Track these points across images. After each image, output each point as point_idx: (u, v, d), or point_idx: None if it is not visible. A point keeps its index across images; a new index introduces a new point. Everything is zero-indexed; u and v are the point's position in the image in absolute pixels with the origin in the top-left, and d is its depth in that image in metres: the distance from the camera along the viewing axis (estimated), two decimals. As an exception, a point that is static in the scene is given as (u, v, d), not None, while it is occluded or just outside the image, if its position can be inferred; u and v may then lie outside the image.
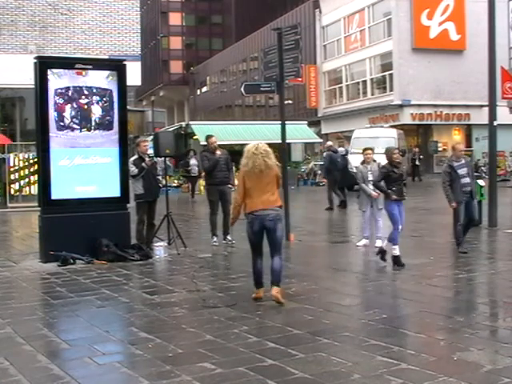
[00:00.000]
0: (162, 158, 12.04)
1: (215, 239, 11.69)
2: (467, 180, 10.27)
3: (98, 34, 21.99)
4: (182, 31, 78.81)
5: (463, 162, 10.41)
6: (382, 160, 11.92)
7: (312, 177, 33.64)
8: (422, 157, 34.29)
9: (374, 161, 11.28)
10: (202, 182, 21.61)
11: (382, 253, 9.53)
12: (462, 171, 10.26)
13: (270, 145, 7.18)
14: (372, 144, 19.88)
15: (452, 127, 40.80)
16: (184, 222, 14.09)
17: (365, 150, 11.37)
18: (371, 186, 11.00)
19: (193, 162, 25.25)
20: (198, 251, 10.88)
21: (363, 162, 11.31)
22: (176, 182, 29.75)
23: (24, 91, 19.28)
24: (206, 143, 12.38)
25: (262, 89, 13.48)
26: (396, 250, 9.18)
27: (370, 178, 11.00)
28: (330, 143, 21.37)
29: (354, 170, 23.84)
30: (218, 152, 11.69)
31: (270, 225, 6.90)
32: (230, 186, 11.98)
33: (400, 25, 38.50)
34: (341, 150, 21.76)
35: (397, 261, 9.15)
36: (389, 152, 9.57)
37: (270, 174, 6.97)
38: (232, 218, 7.39)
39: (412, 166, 33.43)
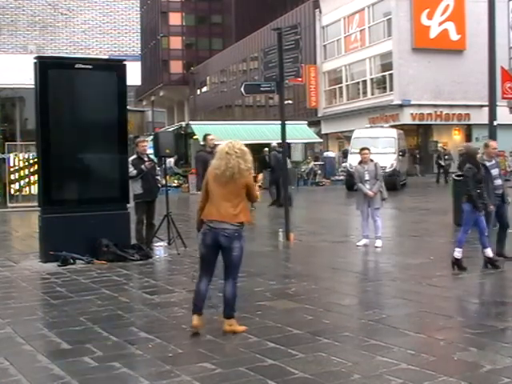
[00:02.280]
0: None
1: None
2: (499, 182, 9.50)
3: (98, 33, 21.97)
4: (182, 31, 78.82)
5: (494, 162, 9.54)
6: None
7: (312, 177, 33.64)
8: (447, 156, 31.36)
9: (371, 160, 11.31)
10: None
11: (456, 262, 8.74)
12: (495, 172, 9.41)
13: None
14: (372, 144, 19.95)
15: (452, 127, 40.83)
16: (184, 222, 14.08)
17: (362, 149, 11.42)
18: (368, 186, 11.03)
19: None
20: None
21: (360, 162, 11.34)
22: (176, 181, 29.72)
23: (24, 91, 19.25)
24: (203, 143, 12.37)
25: (262, 89, 13.49)
26: (458, 253, 8.64)
27: (367, 177, 11.05)
28: (274, 144, 21.99)
29: (353, 170, 24.00)
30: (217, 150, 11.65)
31: (225, 242, 5.78)
32: None
33: (400, 25, 38.52)
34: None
35: (458, 264, 8.68)
36: (472, 151, 8.92)
37: (237, 182, 5.80)
38: (197, 224, 6.22)
39: (437, 167, 31.93)
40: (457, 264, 8.64)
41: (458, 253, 8.63)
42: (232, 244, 5.80)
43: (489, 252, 8.72)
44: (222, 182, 5.81)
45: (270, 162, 21.85)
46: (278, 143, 23.50)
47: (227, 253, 5.85)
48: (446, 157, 31.31)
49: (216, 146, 11.81)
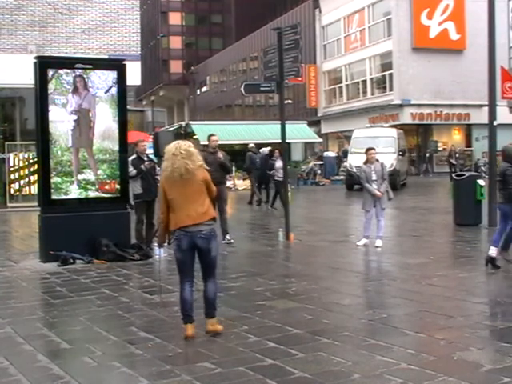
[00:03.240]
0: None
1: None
2: None
3: (98, 33, 21.95)
4: (182, 31, 78.81)
5: None
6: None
7: (312, 176, 33.65)
8: (458, 155, 30.64)
9: (377, 160, 11.29)
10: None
11: (491, 261, 8.70)
12: None
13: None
14: (372, 144, 19.95)
15: (452, 127, 40.83)
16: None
17: (368, 149, 11.35)
18: (375, 186, 11.02)
19: (279, 164, 18.58)
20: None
21: (366, 162, 11.31)
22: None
23: (24, 91, 19.26)
24: (206, 142, 12.36)
25: (261, 88, 13.48)
26: (494, 251, 8.64)
27: (374, 177, 11.04)
28: (251, 145, 22.70)
29: (354, 170, 24.03)
30: (219, 154, 11.57)
31: (203, 244, 5.67)
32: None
33: (400, 24, 38.51)
34: (263, 150, 22.70)
35: (492, 262, 8.67)
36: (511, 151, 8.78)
37: (194, 180, 5.67)
38: (159, 238, 6.12)
39: (449, 166, 31.60)
40: (491, 262, 8.65)
41: (493, 251, 8.64)
42: (209, 245, 5.71)
43: (494, 251, 8.69)
44: (177, 183, 5.66)
45: (245, 162, 22.56)
46: (254, 143, 23.92)
47: (205, 255, 5.76)
48: (457, 155, 30.83)
49: (217, 146, 11.89)
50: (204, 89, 71.07)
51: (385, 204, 11.21)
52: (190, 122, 37.62)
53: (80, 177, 10.21)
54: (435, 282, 8.03)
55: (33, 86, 10.12)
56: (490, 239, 8.97)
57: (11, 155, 20.72)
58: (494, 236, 8.96)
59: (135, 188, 10.83)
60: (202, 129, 30.77)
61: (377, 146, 23.00)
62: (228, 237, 11.73)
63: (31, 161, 19.98)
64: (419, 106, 38.37)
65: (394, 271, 8.99)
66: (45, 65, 10.09)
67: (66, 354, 5.53)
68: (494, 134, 13.74)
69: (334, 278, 8.57)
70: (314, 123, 43.33)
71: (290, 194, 16.08)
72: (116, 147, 10.44)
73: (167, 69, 77.47)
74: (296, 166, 33.04)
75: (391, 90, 39.71)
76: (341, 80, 45.68)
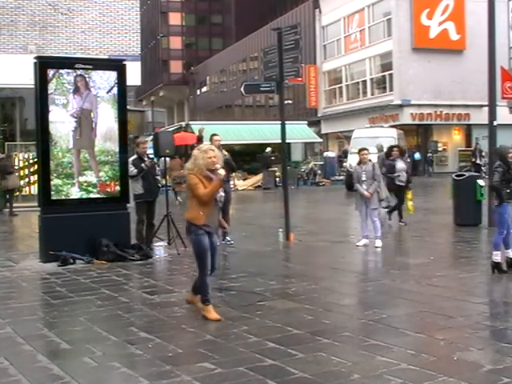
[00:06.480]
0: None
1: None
2: None
3: (98, 33, 21.94)
4: (182, 31, 78.79)
5: None
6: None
7: (312, 177, 33.65)
8: (484, 154, 28.49)
9: (370, 161, 11.33)
10: (409, 196, 14.94)
11: (496, 266, 8.47)
12: None
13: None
14: (372, 144, 19.95)
15: (452, 127, 40.84)
16: (184, 222, 14.08)
17: (360, 150, 11.45)
18: (364, 186, 11.06)
19: (400, 165, 14.93)
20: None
21: (359, 163, 11.37)
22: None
23: (24, 91, 19.25)
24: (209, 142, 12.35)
25: (261, 89, 13.48)
26: (497, 256, 8.44)
27: (364, 178, 11.10)
28: (268, 149, 22.51)
29: (353, 170, 24.01)
30: (224, 152, 11.66)
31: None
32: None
33: (400, 25, 38.53)
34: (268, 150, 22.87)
35: (497, 267, 8.44)
36: (504, 151, 8.70)
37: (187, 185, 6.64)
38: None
39: (474, 165, 30.97)
40: (497, 267, 8.47)
41: (496, 256, 8.45)
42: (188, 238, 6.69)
43: (497, 257, 8.50)
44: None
45: None
46: (254, 144, 23.97)
47: None
48: (484, 153, 28.57)
49: (220, 146, 11.90)
50: (204, 89, 71.05)
51: (375, 205, 11.16)
52: (190, 123, 37.62)
53: (81, 179, 10.19)
54: (435, 283, 8.03)
55: (33, 86, 10.11)
56: (490, 243, 8.84)
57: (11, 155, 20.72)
58: (493, 240, 8.71)
59: (136, 188, 10.82)
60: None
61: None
62: (228, 237, 11.73)
63: (31, 161, 19.99)
64: (419, 106, 38.38)
65: (394, 271, 8.98)
66: (45, 65, 10.09)
67: (66, 354, 5.53)
68: (493, 134, 13.74)
69: (334, 279, 8.57)
70: (314, 123, 43.34)
71: (411, 202, 14.60)
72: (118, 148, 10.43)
73: (167, 69, 77.46)
74: (296, 166, 33.06)
75: (391, 90, 39.72)
76: (341, 80, 45.70)
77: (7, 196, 19.04)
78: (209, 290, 6.51)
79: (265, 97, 52.65)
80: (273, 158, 28.80)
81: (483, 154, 29.53)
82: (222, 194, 6.68)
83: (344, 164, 31.57)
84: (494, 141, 13.76)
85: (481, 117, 31.69)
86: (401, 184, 14.46)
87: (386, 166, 14.89)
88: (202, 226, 6.44)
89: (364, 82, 43.15)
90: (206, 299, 6.47)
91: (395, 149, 15.28)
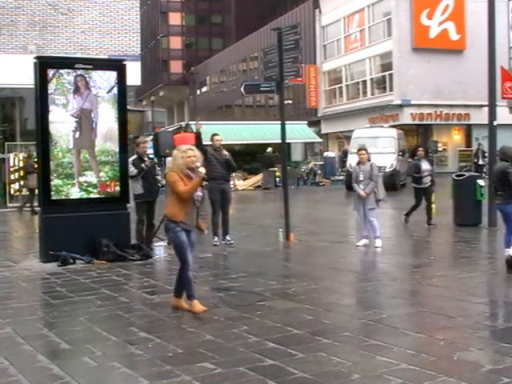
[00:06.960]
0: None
1: (216, 239, 11.68)
2: None
3: (98, 33, 21.94)
4: (182, 31, 78.77)
5: None
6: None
7: (312, 177, 33.64)
8: (487, 155, 29.35)
9: (369, 160, 11.32)
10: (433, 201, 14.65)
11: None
12: None
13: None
14: (372, 144, 19.98)
15: (452, 127, 40.83)
16: (184, 222, 14.07)
17: (359, 150, 11.47)
18: (361, 186, 11.06)
19: (425, 166, 14.57)
20: (198, 251, 10.87)
21: (359, 163, 11.37)
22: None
23: (24, 91, 19.25)
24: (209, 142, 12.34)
25: (261, 89, 13.48)
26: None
27: (361, 178, 11.08)
28: (269, 149, 22.54)
29: (352, 170, 24.02)
30: (224, 152, 11.75)
31: None
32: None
33: (400, 25, 38.51)
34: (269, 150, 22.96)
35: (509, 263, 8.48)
36: (508, 150, 8.78)
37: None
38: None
39: (475, 166, 30.84)
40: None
41: (510, 253, 8.48)
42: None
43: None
44: None
45: None
46: (254, 144, 23.98)
47: None
48: (486, 155, 27.31)
49: (221, 146, 11.90)
50: (204, 89, 71.03)
51: (371, 205, 11.13)
52: (190, 123, 37.60)
53: (81, 179, 10.19)
54: (435, 283, 8.03)
55: (33, 86, 10.10)
56: (504, 242, 8.89)
57: (11, 155, 20.74)
58: (505, 239, 8.82)
59: (136, 188, 10.82)
60: (202, 129, 30.72)
61: (377, 146, 23.05)
62: (228, 237, 11.74)
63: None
64: (419, 106, 38.36)
65: (394, 271, 8.98)
66: (45, 65, 10.09)
67: (66, 354, 5.53)
68: (494, 134, 13.74)
69: (333, 279, 8.57)
70: (314, 123, 43.33)
71: (434, 205, 14.16)
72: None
73: (167, 69, 77.43)
74: (296, 166, 33.06)
75: (391, 90, 39.71)
76: (341, 80, 45.68)
77: (28, 195, 19.06)
78: (192, 285, 6.65)
79: (265, 97, 52.62)
80: (274, 157, 28.88)
81: (486, 154, 29.34)
82: (200, 193, 6.75)
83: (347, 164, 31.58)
84: (494, 141, 13.77)
85: (481, 117, 31.67)
86: (426, 186, 14.29)
87: (412, 169, 14.64)
88: (180, 222, 6.59)
89: (364, 82, 43.14)
90: (191, 294, 6.60)
91: (420, 148, 14.89)
